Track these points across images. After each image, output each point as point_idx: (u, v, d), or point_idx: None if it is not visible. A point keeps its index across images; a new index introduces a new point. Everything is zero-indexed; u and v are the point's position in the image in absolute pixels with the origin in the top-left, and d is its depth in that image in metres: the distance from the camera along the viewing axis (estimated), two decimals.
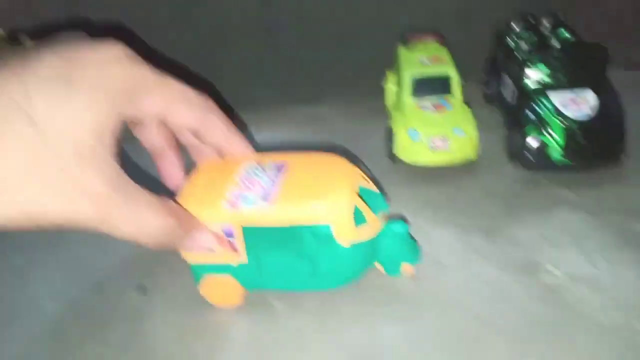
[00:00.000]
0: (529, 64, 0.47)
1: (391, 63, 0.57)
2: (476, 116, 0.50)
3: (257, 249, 0.34)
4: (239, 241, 0.34)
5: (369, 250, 0.35)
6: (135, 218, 0.27)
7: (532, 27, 0.53)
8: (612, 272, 0.37)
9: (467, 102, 0.51)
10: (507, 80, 0.51)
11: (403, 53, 0.53)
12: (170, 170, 0.36)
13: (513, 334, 0.34)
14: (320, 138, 0.56)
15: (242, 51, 0.61)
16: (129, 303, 0.39)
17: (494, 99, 0.55)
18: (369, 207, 0.34)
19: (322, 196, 0.32)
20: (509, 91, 0.51)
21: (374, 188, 0.36)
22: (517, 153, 0.47)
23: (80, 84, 0.25)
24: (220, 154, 0.36)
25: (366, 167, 0.47)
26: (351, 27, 0.60)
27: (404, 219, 0.38)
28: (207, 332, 0.36)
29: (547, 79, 0.47)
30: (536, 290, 0.37)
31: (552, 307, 0.35)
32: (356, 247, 0.34)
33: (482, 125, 0.55)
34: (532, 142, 0.45)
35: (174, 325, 0.37)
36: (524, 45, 0.50)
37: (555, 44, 0.49)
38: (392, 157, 0.49)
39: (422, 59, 0.51)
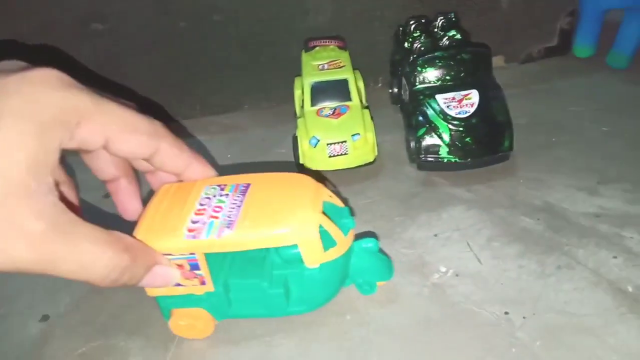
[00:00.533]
0: (418, 66, 0.49)
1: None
2: (383, 117, 0.51)
3: (224, 275, 0.33)
4: (203, 270, 0.32)
5: (340, 270, 0.34)
6: (78, 257, 0.25)
7: (425, 29, 0.54)
8: (496, 267, 0.40)
9: (369, 104, 0.52)
10: (404, 82, 0.52)
11: (304, 59, 0.54)
12: (125, 200, 0.34)
13: (403, 335, 0.36)
14: (235, 148, 0.57)
15: (149, 63, 0.60)
16: (30, 333, 0.39)
17: (398, 100, 0.57)
18: (336, 224, 0.33)
19: (287, 217, 0.31)
20: (405, 93, 0.52)
21: (339, 204, 0.35)
22: (412, 154, 0.48)
23: (6, 117, 0.23)
24: (179, 178, 0.34)
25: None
26: (258, 34, 0.60)
27: (373, 235, 0.38)
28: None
29: (435, 81, 0.49)
30: (425, 290, 0.39)
31: (438, 305, 0.37)
32: (325, 267, 0.33)
33: (387, 126, 0.57)
34: (423, 143, 0.47)
35: (75, 352, 0.37)
36: (416, 48, 0.51)
37: (445, 45, 0.51)
38: (298, 166, 0.50)
39: (322, 64, 0.52)
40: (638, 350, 0.33)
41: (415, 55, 0.51)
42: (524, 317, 0.36)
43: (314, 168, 0.49)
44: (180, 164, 0.32)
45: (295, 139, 0.50)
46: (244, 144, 0.54)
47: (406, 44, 0.54)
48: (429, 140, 0.47)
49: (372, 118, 0.50)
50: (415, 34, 0.54)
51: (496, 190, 0.47)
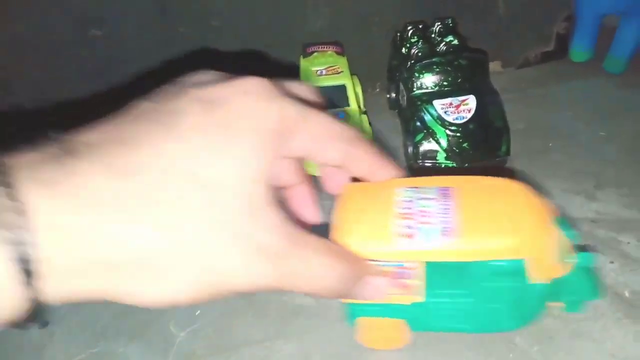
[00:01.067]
0: (416, 72, 0.49)
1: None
2: (381, 122, 0.51)
3: (435, 287, 0.31)
4: (419, 278, 0.30)
5: (555, 286, 0.31)
6: (313, 271, 0.24)
7: (423, 34, 0.55)
8: None
9: (367, 110, 0.53)
10: (402, 87, 0.53)
11: (303, 65, 0.54)
12: (303, 206, 0.31)
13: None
14: None
15: (148, 68, 0.60)
16: (30, 338, 0.39)
17: (396, 105, 0.57)
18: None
19: (520, 228, 0.27)
20: (403, 98, 0.53)
21: (562, 217, 0.31)
22: (410, 159, 0.49)
23: (236, 131, 0.22)
24: (366, 179, 0.31)
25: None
26: (257, 39, 0.61)
27: (589, 249, 0.35)
28: None
29: (432, 86, 0.49)
30: None
31: None
32: (550, 283, 0.30)
33: (385, 132, 0.57)
34: (421, 148, 0.47)
35: (75, 358, 0.37)
36: (413, 53, 0.52)
37: (443, 51, 0.51)
38: None
39: (320, 70, 0.53)
40: (635, 354, 0.34)
41: (412, 61, 0.51)
42: None
43: (310, 173, 0.49)
44: (374, 167, 0.30)
45: None
46: None
47: (404, 50, 0.54)
48: (427, 145, 0.47)
49: (370, 124, 0.50)
50: (412, 40, 0.54)
51: None
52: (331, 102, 0.51)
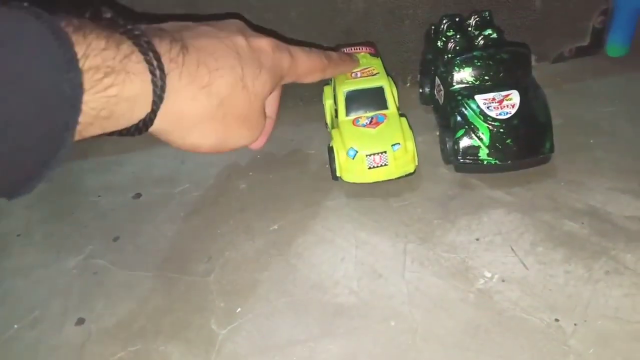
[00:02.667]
0: (455, 66, 0.48)
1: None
2: (413, 118, 0.50)
3: None
4: None
5: None
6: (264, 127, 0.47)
7: (459, 27, 0.53)
8: (542, 272, 0.39)
9: (404, 111, 0.51)
10: (438, 82, 0.51)
11: None
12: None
13: (449, 342, 0.35)
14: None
15: None
16: (67, 337, 0.38)
17: (429, 100, 0.56)
18: None
19: None
20: (440, 93, 0.51)
21: None
22: (449, 156, 0.47)
23: (265, 70, 0.42)
24: None
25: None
26: (288, 33, 0.59)
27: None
28: None
29: (473, 81, 0.48)
30: (471, 296, 0.38)
31: (485, 311, 0.36)
32: None
33: (418, 127, 0.55)
34: (462, 144, 0.46)
35: (114, 356, 0.36)
36: (451, 47, 0.50)
37: (482, 44, 0.50)
38: (336, 178, 0.48)
39: (355, 72, 0.51)
40: None
41: (450, 55, 0.50)
42: (575, 324, 0.35)
43: (352, 181, 0.47)
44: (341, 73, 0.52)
45: (330, 150, 0.48)
46: (272, 143, 0.53)
47: (439, 43, 0.53)
48: (468, 141, 0.46)
49: (410, 126, 0.48)
50: (448, 33, 0.53)
51: (536, 193, 0.46)
52: (370, 104, 0.49)
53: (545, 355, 0.33)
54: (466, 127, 0.46)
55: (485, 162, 0.46)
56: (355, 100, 0.49)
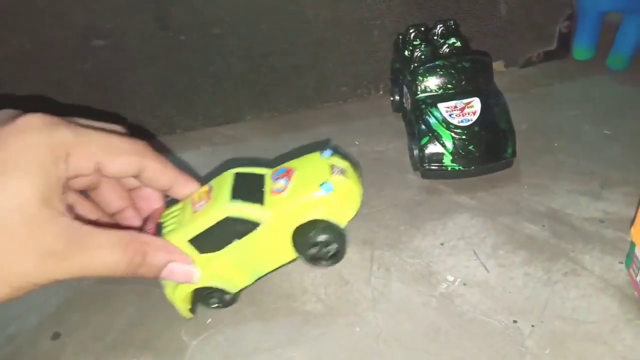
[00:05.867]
0: (419, 75, 0.49)
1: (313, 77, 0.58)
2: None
3: None
4: None
5: None
6: (96, 260, 0.31)
7: (425, 37, 0.55)
8: (502, 275, 0.40)
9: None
10: (406, 91, 0.53)
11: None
12: (130, 224, 0.39)
13: (409, 345, 0.36)
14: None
15: (151, 77, 0.61)
16: (42, 351, 0.39)
17: (399, 108, 0.57)
18: None
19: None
20: (407, 101, 0.53)
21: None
22: (416, 163, 0.49)
23: (11, 165, 0.29)
24: (168, 194, 0.38)
25: None
26: (258, 45, 0.61)
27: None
28: None
29: (436, 89, 0.49)
30: (433, 300, 0.39)
31: (446, 315, 0.38)
32: None
33: (389, 135, 0.57)
34: (427, 151, 0.47)
35: None
36: (417, 56, 0.52)
37: (446, 53, 0.51)
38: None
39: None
40: None
41: (416, 64, 0.51)
42: (532, 326, 0.36)
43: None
44: (167, 180, 0.37)
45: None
46: (247, 153, 0.54)
47: (406, 52, 0.54)
48: (432, 148, 0.47)
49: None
50: (415, 42, 0.54)
51: (500, 197, 0.47)
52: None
53: (503, 357, 0.34)
54: (430, 134, 0.47)
55: (449, 169, 0.47)
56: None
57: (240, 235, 0.35)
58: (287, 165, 0.38)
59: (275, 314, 0.40)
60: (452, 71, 0.49)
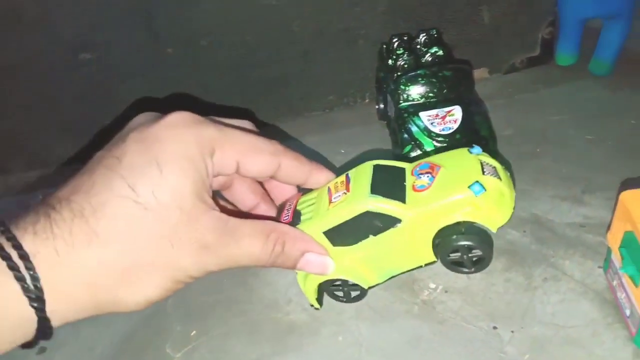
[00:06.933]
0: (401, 84, 0.50)
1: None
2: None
3: None
4: None
5: None
6: (244, 250, 0.31)
7: (409, 46, 0.55)
8: (483, 282, 0.40)
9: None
10: (389, 99, 0.53)
11: None
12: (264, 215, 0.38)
13: (391, 353, 0.36)
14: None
15: (139, 89, 0.61)
16: None
17: (385, 116, 0.58)
18: None
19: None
20: (391, 110, 0.53)
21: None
22: None
23: (167, 159, 0.29)
24: (302, 187, 0.37)
25: None
26: (245, 57, 0.61)
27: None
28: None
29: (418, 98, 0.50)
30: (415, 307, 0.39)
31: (427, 322, 0.38)
32: None
33: (376, 142, 0.57)
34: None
35: None
36: (400, 65, 0.52)
37: (428, 62, 0.52)
38: None
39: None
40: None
41: (399, 73, 0.52)
42: (512, 331, 0.37)
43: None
44: (302, 175, 0.36)
45: None
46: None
47: (390, 62, 0.55)
48: (415, 157, 0.48)
49: None
50: (398, 52, 0.55)
51: None
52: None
53: None
54: (412, 143, 0.48)
55: None
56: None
57: (376, 232, 0.33)
58: (430, 160, 0.35)
59: (260, 324, 0.40)
60: (434, 80, 0.49)
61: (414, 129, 0.48)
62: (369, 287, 0.37)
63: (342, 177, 0.35)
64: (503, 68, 0.66)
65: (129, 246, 0.27)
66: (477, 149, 0.35)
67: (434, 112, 0.48)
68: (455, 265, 0.34)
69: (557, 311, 0.38)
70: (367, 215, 0.33)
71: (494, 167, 0.34)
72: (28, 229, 0.26)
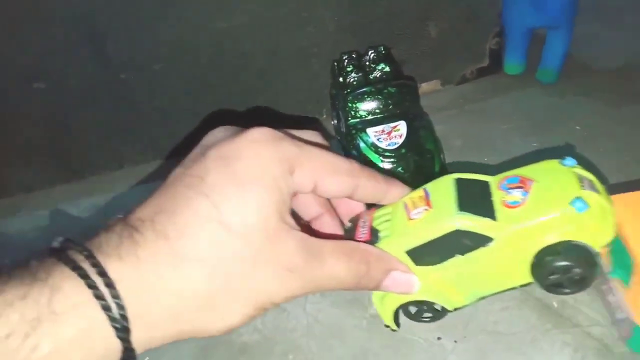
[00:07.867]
0: (349, 102, 0.51)
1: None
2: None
3: None
4: None
5: None
6: (328, 272, 0.29)
7: (358, 63, 0.56)
8: None
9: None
10: (341, 116, 0.54)
11: None
12: (329, 231, 0.35)
13: None
14: None
15: (95, 115, 0.62)
16: None
17: (339, 132, 0.59)
18: None
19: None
20: (343, 126, 0.54)
21: None
22: None
23: (249, 178, 0.27)
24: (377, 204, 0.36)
25: None
26: (200, 79, 0.62)
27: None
28: None
29: (366, 115, 0.51)
30: (364, 322, 0.40)
31: (375, 335, 0.39)
32: None
33: None
34: None
35: None
36: (349, 82, 0.53)
37: (376, 78, 0.53)
38: None
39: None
40: None
41: (348, 90, 0.53)
42: (455, 341, 0.38)
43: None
44: (379, 194, 0.34)
45: None
46: None
47: (341, 79, 0.56)
48: None
49: None
50: (348, 69, 0.56)
51: None
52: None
53: None
54: (361, 159, 0.49)
55: None
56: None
57: (464, 251, 0.31)
58: (519, 173, 0.32)
59: (212, 347, 0.41)
60: (380, 97, 0.51)
61: (362, 145, 0.49)
62: (455, 309, 0.34)
63: (420, 192, 0.34)
64: (454, 79, 0.68)
65: (214, 270, 0.26)
66: (571, 161, 0.32)
67: (380, 127, 0.49)
68: (555, 287, 0.31)
69: (499, 319, 0.39)
70: (456, 234, 0.30)
71: (591, 181, 0.31)
72: (112, 254, 0.25)
